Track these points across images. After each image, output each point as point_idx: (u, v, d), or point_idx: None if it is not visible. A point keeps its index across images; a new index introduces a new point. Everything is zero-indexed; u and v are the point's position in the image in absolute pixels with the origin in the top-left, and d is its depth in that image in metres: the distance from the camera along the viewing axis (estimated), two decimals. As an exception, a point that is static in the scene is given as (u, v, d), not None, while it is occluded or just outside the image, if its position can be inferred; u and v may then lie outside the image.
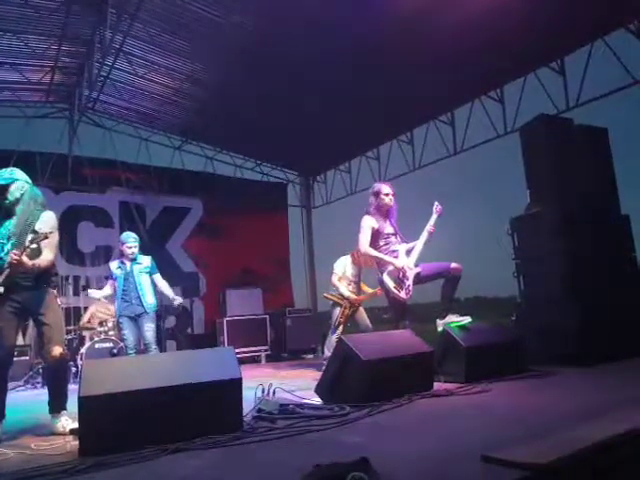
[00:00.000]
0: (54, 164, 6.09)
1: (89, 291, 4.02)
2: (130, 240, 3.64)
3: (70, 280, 5.51)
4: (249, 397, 2.24)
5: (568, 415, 1.78)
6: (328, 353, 3.56)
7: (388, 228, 3.11)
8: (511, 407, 2.11)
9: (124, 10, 4.48)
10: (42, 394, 2.79)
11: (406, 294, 2.93)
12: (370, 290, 4.09)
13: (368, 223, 3.06)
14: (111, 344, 4.54)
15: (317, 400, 2.46)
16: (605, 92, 4.71)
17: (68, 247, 5.97)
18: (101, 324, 4.80)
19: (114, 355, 4.33)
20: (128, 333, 3.55)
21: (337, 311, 4.01)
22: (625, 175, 4.35)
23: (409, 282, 2.94)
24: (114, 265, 3.71)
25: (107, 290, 3.78)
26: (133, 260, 3.63)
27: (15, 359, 3.15)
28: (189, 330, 6.75)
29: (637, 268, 3.63)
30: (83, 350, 4.48)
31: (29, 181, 2.35)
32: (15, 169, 2.32)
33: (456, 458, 1.39)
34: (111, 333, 4.67)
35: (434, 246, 3.16)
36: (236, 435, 1.83)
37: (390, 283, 2.94)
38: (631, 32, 4.35)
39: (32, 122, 6.28)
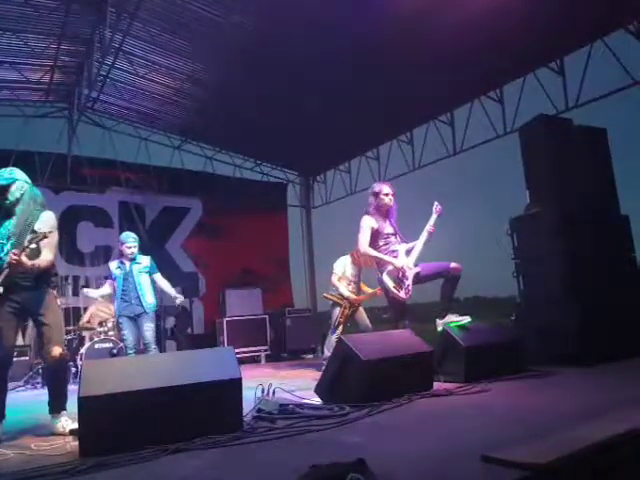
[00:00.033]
0: (53, 164, 6.08)
1: (85, 290, 4.01)
2: (130, 240, 3.64)
3: (70, 280, 5.50)
4: (249, 397, 2.23)
5: (568, 415, 1.78)
6: (328, 353, 3.56)
7: (388, 228, 3.11)
8: (511, 407, 2.11)
9: (124, 9, 4.48)
10: (42, 394, 2.79)
11: (405, 294, 2.93)
12: (370, 290, 4.09)
13: (368, 223, 3.06)
14: (111, 344, 4.54)
15: (317, 400, 2.46)
16: (604, 93, 4.71)
17: (67, 247, 5.97)
18: (101, 324, 4.80)
19: (114, 355, 4.32)
20: (128, 333, 3.55)
21: (337, 311, 4.01)
22: (624, 176, 4.36)
23: (408, 282, 2.94)
24: (113, 265, 3.71)
25: (105, 289, 3.78)
26: (132, 260, 3.63)
27: (15, 359, 3.16)
28: (189, 330, 6.74)
29: (637, 268, 3.63)
30: (83, 350, 4.47)
31: (28, 181, 2.35)
32: (15, 169, 2.32)
33: (456, 458, 1.39)
34: (111, 333, 4.67)
35: (434, 246, 3.17)
36: (236, 435, 1.83)
37: (390, 283, 2.94)
38: (630, 33, 4.36)
39: (31, 121, 6.27)
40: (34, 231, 2.14)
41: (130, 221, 6.51)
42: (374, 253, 3.03)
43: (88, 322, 4.97)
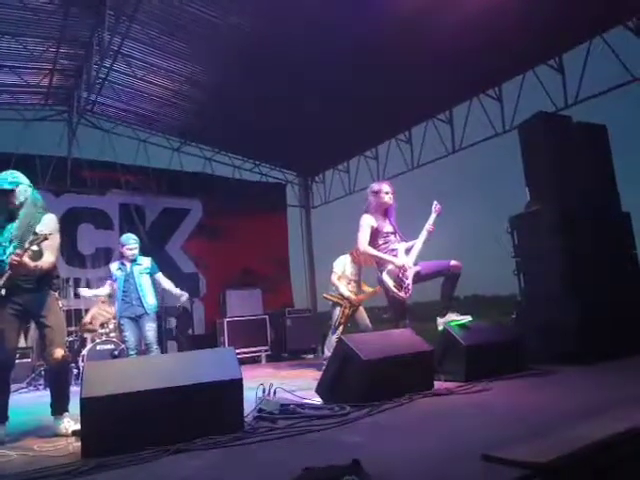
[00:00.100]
0: (54, 167, 6.10)
1: (80, 289, 4.02)
2: (130, 242, 3.65)
3: (71, 282, 5.52)
4: (250, 397, 2.24)
5: (568, 414, 1.78)
6: (328, 353, 3.57)
7: (387, 227, 3.11)
8: (511, 406, 2.11)
9: (122, 12, 4.48)
10: (44, 396, 2.80)
11: (405, 293, 2.93)
12: (370, 289, 4.09)
13: (367, 222, 3.06)
14: (112, 346, 4.55)
15: (317, 400, 2.46)
16: (604, 89, 4.70)
17: (68, 249, 5.97)
18: (102, 326, 4.81)
19: (115, 357, 4.33)
20: (129, 334, 3.56)
21: (337, 311, 4.01)
22: (625, 172, 4.35)
23: (408, 281, 2.94)
24: (114, 266, 3.72)
25: (103, 290, 3.79)
26: (133, 261, 3.64)
27: (17, 361, 3.16)
28: (189, 331, 6.76)
29: (637, 266, 3.63)
30: (85, 352, 4.48)
31: (30, 184, 2.36)
32: (17, 172, 2.33)
33: (457, 457, 1.39)
34: (112, 335, 4.68)
35: (433, 245, 3.16)
36: (237, 435, 1.83)
37: (390, 282, 2.94)
38: (629, 29, 4.34)
39: (31, 125, 6.28)
40: (35, 233, 2.15)
41: (130, 223, 6.52)
42: (374, 252, 3.03)
43: (90, 324, 4.99)
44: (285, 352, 6.23)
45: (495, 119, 5.57)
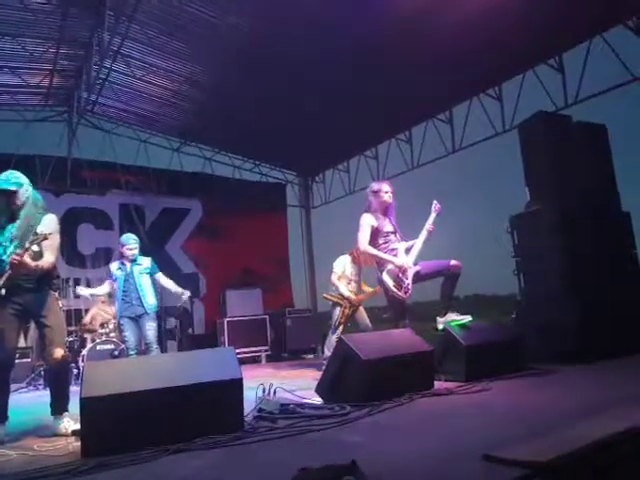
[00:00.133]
0: (54, 167, 6.10)
1: (77, 288, 4.01)
2: (131, 242, 3.65)
3: (70, 282, 5.52)
4: (250, 397, 2.24)
5: (568, 413, 1.78)
6: (328, 353, 3.57)
7: (387, 226, 3.11)
8: (511, 406, 2.11)
9: (121, 12, 4.48)
10: (44, 396, 2.80)
11: (405, 293, 2.93)
12: (370, 289, 4.09)
13: (367, 221, 3.06)
14: (112, 346, 4.55)
15: (317, 400, 2.46)
16: (604, 89, 4.70)
17: (68, 249, 5.98)
18: (102, 326, 4.81)
19: (115, 357, 4.33)
20: (129, 334, 3.56)
21: (337, 311, 4.01)
22: (625, 172, 4.35)
23: (408, 281, 2.94)
24: (114, 266, 3.72)
25: (102, 289, 3.79)
26: (133, 261, 3.64)
27: (17, 361, 3.17)
28: (190, 331, 6.76)
29: (637, 265, 3.63)
30: (84, 352, 4.48)
31: (31, 184, 2.36)
32: (18, 172, 2.32)
33: (457, 457, 1.39)
34: (112, 335, 4.68)
35: (433, 244, 3.16)
36: (237, 435, 1.83)
37: (390, 282, 2.94)
38: (629, 29, 4.34)
39: (31, 125, 6.29)
40: (36, 233, 2.15)
41: (130, 223, 6.52)
42: (374, 251, 3.03)
43: (90, 323, 4.99)
44: (285, 352, 6.23)
45: (495, 119, 5.57)
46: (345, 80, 5.26)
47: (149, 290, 3.62)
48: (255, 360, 5.96)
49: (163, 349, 4.86)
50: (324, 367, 2.81)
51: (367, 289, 4.13)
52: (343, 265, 4.14)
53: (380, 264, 3.06)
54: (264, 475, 1.44)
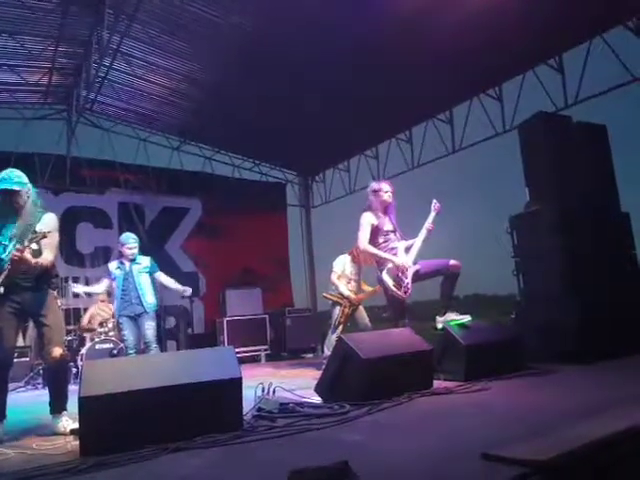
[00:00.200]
0: (53, 165, 6.08)
1: (72, 285, 3.99)
2: (130, 241, 3.65)
3: (70, 281, 5.50)
4: (249, 396, 2.24)
5: (568, 413, 1.78)
6: (328, 352, 3.56)
7: (388, 225, 3.11)
8: (511, 405, 2.11)
9: (121, 11, 4.47)
10: (43, 395, 2.80)
11: (405, 292, 2.93)
12: (369, 288, 4.09)
13: (368, 220, 3.06)
14: (111, 345, 4.54)
15: (317, 399, 2.46)
16: (604, 89, 4.70)
17: (67, 248, 5.96)
18: (101, 325, 4.80)
19: (114, 356, 4.33)
20: (128, 333, 3.55)
21: (337, 311, 4.01)
22: (625, 172, 4.35)
23: (408, 280, 2.94)
24: (113, 265, 3.72)
25: (98, 287, 3.78)
26: (132, 260, 3.64)
27: (15, 360, 3.16)
28: (189, 330, 6.75)
29: (637, 266, 3.63)
30: (83, 351, 4.48)
31: (31, 183, 2.36)
32: (18, 171, 2.32)
33: (456, 456, 1.39)
34: (111, 334, 4.67)
35: (433, 244, 3.17)
36: (236, 434, 1.83)
37: (389, 281, 2.94)
38: (629, 29, 4.35)
39: (30, 124, 6.27)
40: (35, 232, 2.15)
41: (129, 222, 6.51)
42: (373, 250, 3.03)
43: (89, 322, 4.98)
44: (285, 351, 6.23)
45: (495, 119, 5.57)
46: (345, 80, 5.26)
47: (148, 289, 3.62)
48: (255, 359, 5.96)
49: (162, 348, 4.85)
50: (324, 366, 2.81)
51: (367, 288, 4.13)
52: (343, 264, 4.14)
53: (380, 263, 3.06)
54: (263, 474, 1.44)
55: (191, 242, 7.07)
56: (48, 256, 2.24)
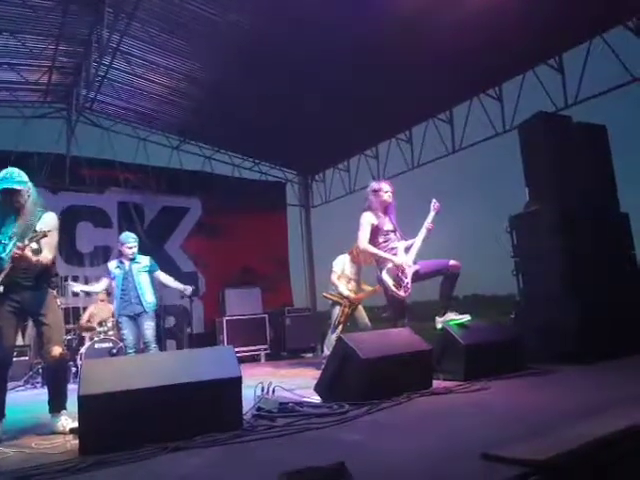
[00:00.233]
0: (52, 164, 6.08)
1: (70, 283, 3.99)
2: (130, 240, 3.65)
3: (69, 280, 5.49)
4: (249, 396, 2.24)
5: (568, 413, 1.78)
6: (327, 352, 3.56)
7: (387, 225, 3.11)
8: (510, 405, 2.11)
9: (121, 9, 4.47)
10: (42, 394, 2.79)
11: (404, 292, 2.93)
12: (369, 288, 4.09)
13: (368, 219, 3.06)
14: (110, 344, 4.54)
15: (316, 398, 2.46)
16: (604, 89, 4.70)
17: (67, 247, 5.96)
18: (100, 324, 4.80)
19: (113, 355, 4.32)
20: (127, 332, 3.55)
21: (337, 310, 4.01)
22: (624, 172, 4.36)
23: (407, 280, 2.94)
24: (113, 265, 3.71)
25: (97, 286, 3.78)
26: (132, 260, 3.64)
27: (15, 359, 3.15)
28: (189, 329, 6.74)
29: (636, 266, 3.63)
30: (83, 350, 4.47)
31: (31, 182, 2.36)
32: (18, 170, 2.32)
33: (455, 456, 1.39)
34: (110, 333, 4.67)
35: (433, 244, 3.17)
36: (236, 433, 1.83)
37: (389, 281, 2.94)
38: (629, 29, 4.35)
39: (30, 122, 6.26)
40: (35, 231, 2.15)
41: (129, 221, 6.50)
42: (373, 250, 3.03)
43: (88, 322, 4.97)
44: (284, 351, 6.23)
45: (495, 119, 5.57)
46: (345, 80, 5.25)
47: (148, 288, 3.62)
48: (254, 359, 5.96)
49: (162, 348, 4.85)
50: (323, 366, 2.80)
51: (366, 288, 4.13)
52: (342, 264, 4.14)
53: (380, 263, 3.06)
54: (263, 473, 1.44)
55: (191, 241, 7.06)
56: (48, 255, 2.24)
